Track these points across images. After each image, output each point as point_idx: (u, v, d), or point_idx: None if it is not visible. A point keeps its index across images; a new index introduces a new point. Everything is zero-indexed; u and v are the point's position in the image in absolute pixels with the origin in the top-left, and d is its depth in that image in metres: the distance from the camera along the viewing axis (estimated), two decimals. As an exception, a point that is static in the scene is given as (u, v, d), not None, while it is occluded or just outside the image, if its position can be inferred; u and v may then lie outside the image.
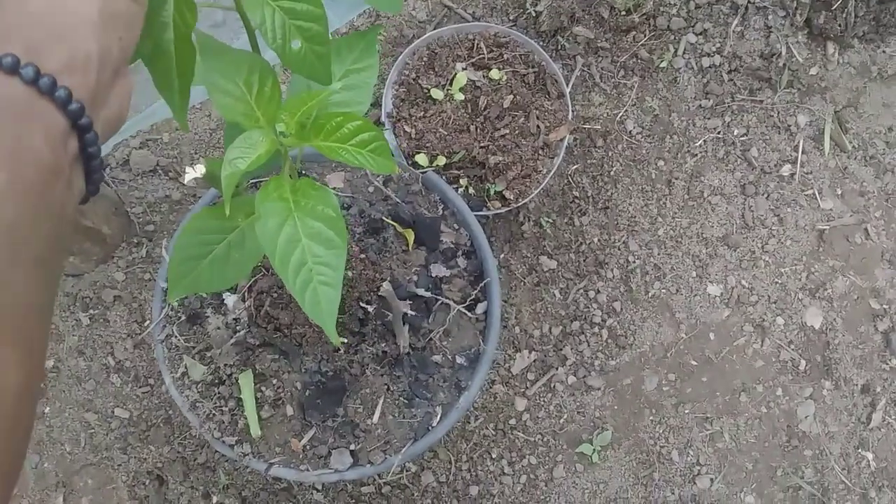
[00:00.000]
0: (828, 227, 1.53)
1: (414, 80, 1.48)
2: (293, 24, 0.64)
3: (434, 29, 1.57)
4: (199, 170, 1.37)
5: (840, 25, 1.54)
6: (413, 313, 1.18)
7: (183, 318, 1.23)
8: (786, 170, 1.55)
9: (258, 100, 0.68)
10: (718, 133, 1.56)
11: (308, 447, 1.19)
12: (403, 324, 1.18)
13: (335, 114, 0.69)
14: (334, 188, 1.27)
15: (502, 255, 1.50)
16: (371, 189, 1.27)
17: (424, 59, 1.49)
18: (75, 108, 0.47)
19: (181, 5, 0.58)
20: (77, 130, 0.48)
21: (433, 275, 1.23)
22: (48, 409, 1.47)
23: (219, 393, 1.20)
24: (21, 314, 0.43)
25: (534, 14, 1.56)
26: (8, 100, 0.44)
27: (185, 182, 1.46)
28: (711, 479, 1.44)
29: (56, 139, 0.46)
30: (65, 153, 0.47)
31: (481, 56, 1.48)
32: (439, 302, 1.22)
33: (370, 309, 1.15)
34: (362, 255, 1.18)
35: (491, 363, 1.23)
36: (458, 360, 1.22)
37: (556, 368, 1.47)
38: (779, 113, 1.57)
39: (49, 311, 0.47)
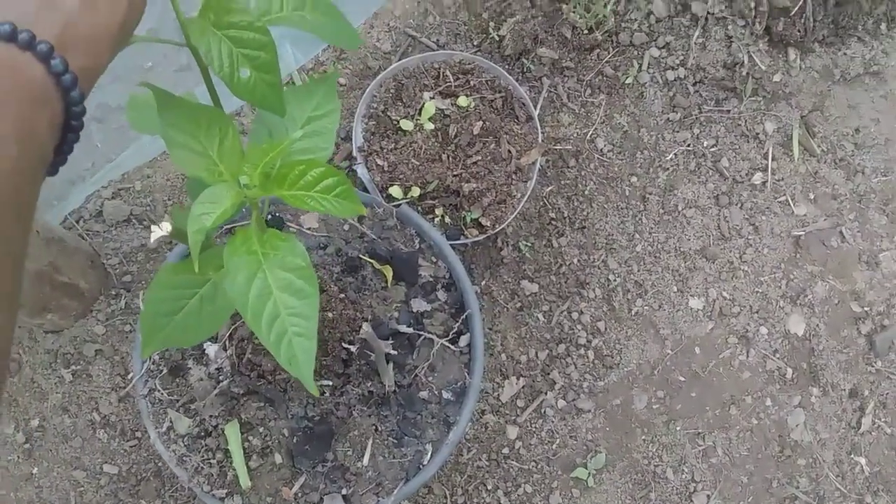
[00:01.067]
0: (803, 233, 1.54)
1: (383, 112, 1.47)
2: (240, 53, 0.64)
3: (399, 59, 1.57)
4: (164, 227, 1.36)
5: (799, 31, 1.56)
6: (396, 352, 1.17)
7: (165, 371, 1.21)
8: (757, 178, 1.56)
9: (220, 153, 0.67)
10: (688, 145, 1.57)
11: (299, 494, 1.17)
12: (387, 362, 1.16)
13: (298, 162, 0.68)
14: (309, 228, 1.26)
15: (483, 282, 1.50)
16: (346, 227, 1.26)
17: (392, 90, 1.49)
18: (79, 111, 0.50)
19: None
20: (65, 128, 0.51)
21: (414, 310, 1.22)
22: (36, 469, 1.44)
23: (206, 445, 1.18)
24: (17, 266, 0.47)
25: (497, 38, 1.57)
26: (32, 83, 0.47)
27: (152, 241, 1.45)
28: (708, 496, 1.44)
29: (54, 129, 0.49)
30: (53, 144, 0.50)
31: (448, 84, 1.48)
32: (422, 337, 1.21)
33: (353, 349, 1.14)
34: (342, 295, 1.17)
35: (478, 395, 1.22)
36: (445, 394, 1.21)
37: (545, 393, 1.46)
38: (746, 121, 1.58)
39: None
